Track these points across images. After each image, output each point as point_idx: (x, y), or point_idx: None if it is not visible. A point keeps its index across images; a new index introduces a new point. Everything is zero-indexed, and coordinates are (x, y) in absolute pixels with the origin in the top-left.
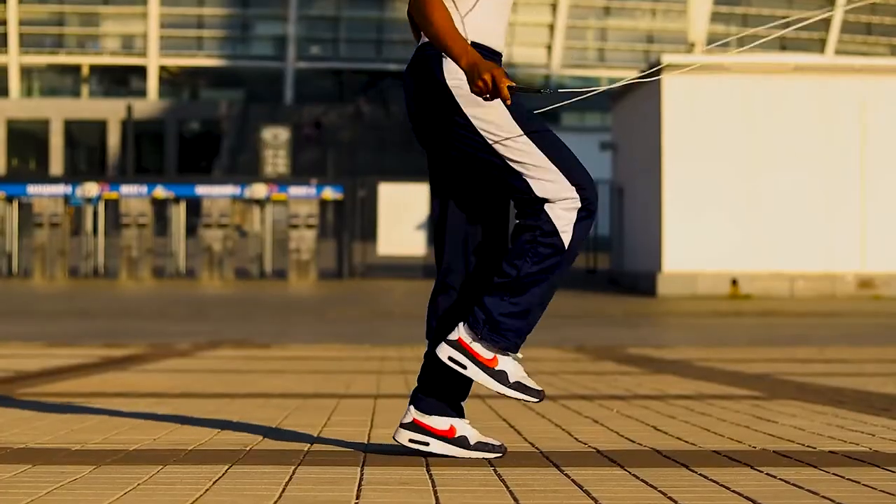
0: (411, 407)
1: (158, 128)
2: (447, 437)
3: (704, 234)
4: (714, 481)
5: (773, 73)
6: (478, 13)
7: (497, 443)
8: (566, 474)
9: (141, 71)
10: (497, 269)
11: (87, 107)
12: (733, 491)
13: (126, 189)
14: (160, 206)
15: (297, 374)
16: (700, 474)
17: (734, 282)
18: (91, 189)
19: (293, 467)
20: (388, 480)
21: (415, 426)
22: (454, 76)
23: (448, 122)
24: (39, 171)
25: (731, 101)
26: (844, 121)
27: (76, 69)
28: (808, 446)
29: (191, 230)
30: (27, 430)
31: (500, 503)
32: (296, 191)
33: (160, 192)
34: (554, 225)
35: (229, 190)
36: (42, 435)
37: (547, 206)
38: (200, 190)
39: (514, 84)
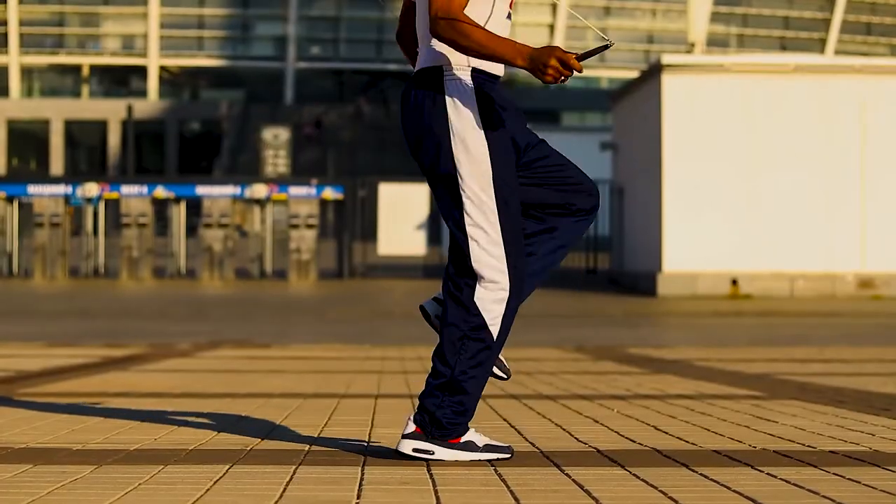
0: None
1: (159, 128)
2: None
3: (704, 234)
4: (714, 481)
5: (773, 73)
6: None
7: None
8: (567, 474)
9: (141, 71)
10: (432, 371)
11: (88, 107)
12: (734, 490)
13: (126, 189)
14: (161, 206)
15: (298, 373)
16: (700, 474)
17: (734, 282)
18: (91, 189)
19: (294, 467)
20: (389, 480)
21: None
22: (456, 117)
23: (436, 153)
24: (40, 171)
25: (732, 101)
26: (844, 121)
27: (76, 69)
28: (808, 446)
29: (191, 230)
30: (28, 430)
31: (500, 503)
32: (296, 191)
33: (160, 192)
34: (483, 319)
35: (230, 190)
36: (43, 435)
37: (478, 292)
38: (201, 190)
39: (579, 53)
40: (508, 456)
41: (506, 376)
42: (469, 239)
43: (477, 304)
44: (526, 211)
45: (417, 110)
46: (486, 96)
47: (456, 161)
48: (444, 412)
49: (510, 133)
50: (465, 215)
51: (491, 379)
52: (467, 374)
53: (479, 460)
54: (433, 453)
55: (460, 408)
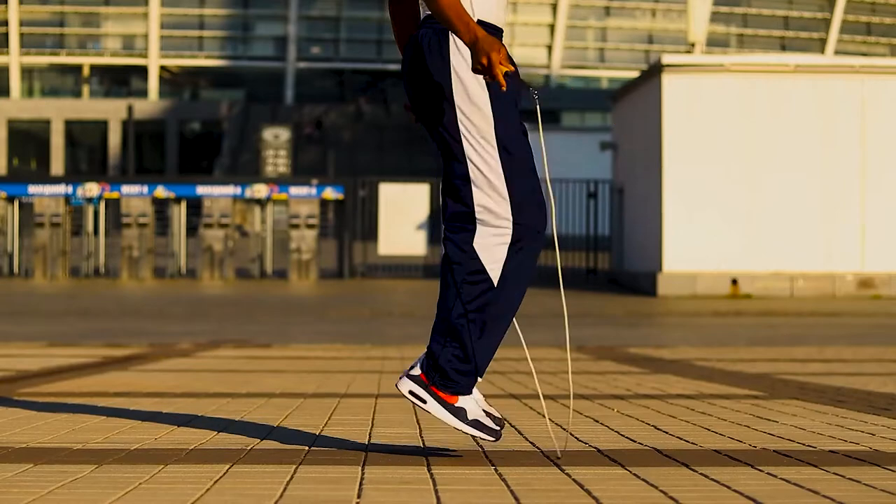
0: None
1: (159, 128)
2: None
3: (705, 234)
4: (715, 480)
5: (773, 73)
6: None
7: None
8: (567, 473)
9: (142, 71)
10: (439, 301)
11: (88, 107)
12: (734, 490)
13: (127, 189)
14: (161, 206)
15: (298, 373)
16: (701, 473)
17: (734, 281)
18: (92, 189)
19: (294, 466)
20: (390, 479)
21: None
22: (459, 53)
23: (438, 98)
24: (40, 171)
25: (732, 101)
26: (844, 121)
27: (77, 69)
28: (808, 446)
29: (192, 230)
30: (28, 430)
31: (500, 502)
32: (296, 191)
33: (161, 191)
34: (481, 263)
35: (230, 190)
36: (43, 434)
37: (477, 235)
38: (201, 190)
39: (513, 69)
40: (493, 440)
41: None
42: (471, 185)
43: (475, 247)
44: None
45: (421, 55)
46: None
47: (457, 107)
48: (446, 358)
49: (511, 85)
50: (468, 160)
51: (491, 378)
52: (466, 317)
53: (462, 431)
54: (425, 402)
55: (462, 355)
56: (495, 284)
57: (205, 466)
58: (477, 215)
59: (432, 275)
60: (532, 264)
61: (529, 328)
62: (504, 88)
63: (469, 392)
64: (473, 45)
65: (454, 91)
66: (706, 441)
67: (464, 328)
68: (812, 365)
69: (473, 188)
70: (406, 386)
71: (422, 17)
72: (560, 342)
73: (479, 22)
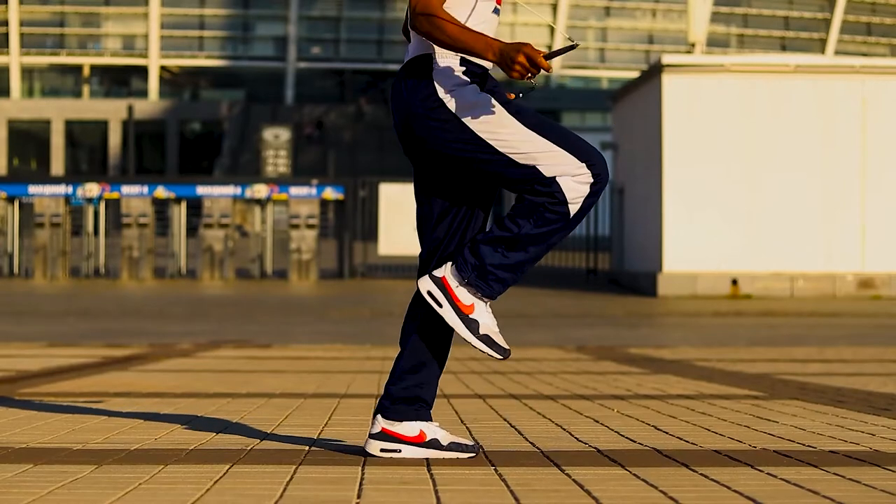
0: (378, 416)
1: (159, 128)
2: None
3: (705, 234)
4: (715, 481)
5: (773, 73)
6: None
7: (470, 442)
8: (567, 474)
9: (142, 71)
10: (497, 223)
11: (88, 107)
12: (734, 490)
13: (127, 189)
14: (161, 206)
15: (298, 373)
16: (701, 474)
17: (734, 282)
18: (92, 189)
19: (294, 467)
20: (389, 480)
21: (384, 435)
22: (449, 87)
23: (447, 134)
24: (40, 172)
25: (732, 101)
26: (845, 121)
27: (77, 69)
28: (808, 446)
29: (192, 230)
30: (28, 430)
31: (500, 502)
32: (297, 191)
33: (161, 192)
34: (565, 195)
35: (230, 190)
36: (43, 435)
37: (559, 179)
38: (201, 190)
39: (548, 52)
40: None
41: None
42: (530, 165)
43: (560, 182)
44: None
45: (405, 91)
46: (476, 76)
47: (463, 122)
48: (493, 262)
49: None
50: (509, 156)
51: (491, 378)
52: (533, 237)
53: (471, 343)
54: (441, 306)
55: (510, 264)
56: (571, 217)
57: (205, 467)
58: (553, 175)
59: None
60: (586, 213)
61: (530, 328)
62: (550, 70)
63: (493, 297)
64: (500, 58)
65: (452, 109)
66: (706, 441)
67: (529, 246)
68: (812, 365)
69: (535, 164)
70: (426, 285)
71: (405, 59)
72: (560, 342)
73: (465, 60)
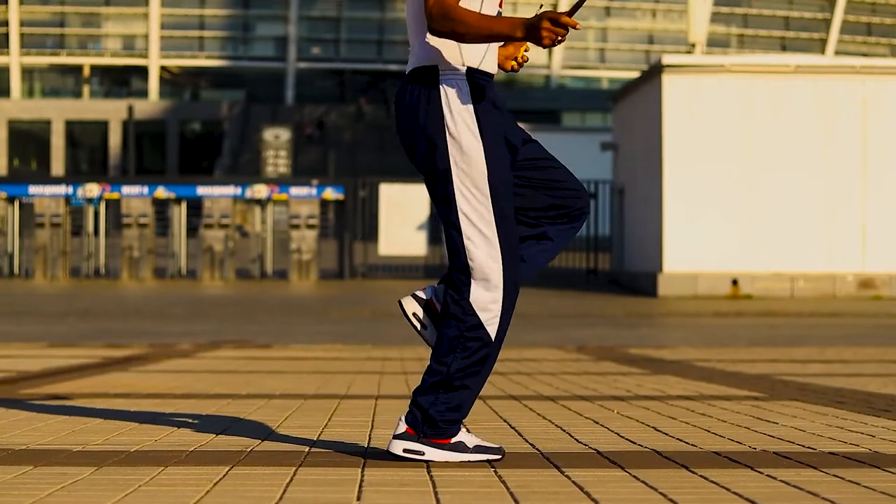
0: (434, 286)
1: (160, 128)
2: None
3: (705, 235)
4: (714, 482)
5: (773, 73)
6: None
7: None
8: (566, 475)
9: (142, 71)
10: (427, 369)
11: (89, 107)
12: (734, 492)
13: (127, 189)
14: (161, 207)
15: (298, 374)
16: (700, 475)
17: (735, 282)
18: (92, 189)
19: (294, 468)
20: (389, 481)
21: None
22: (450, 114)
23: (431, 152)
24: (41, 172)
25: (732, 101)
26: (845, 121)
27: (77, 70)
28: (808, 447)
29: (192, 230)
30: (28, 432)
31: None
32: (297, 191)
33: (161, 192)
34: (479, 318)
35: (230, 190)
36: (43, 436)
37: (473, 291)
38: (202, 190)
39: (569, 10)
40: (499, 457)
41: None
42: (464, 238)
43: (472, 303)
44: (517, 215)
45: (412, 110)
46: (481, 96)
47: (452, 161)
48: (437, 409)
49: (504, 133)
50: (461, 215)
51: (491, 379)
52: (464, 372)
53: (470, 461)
54: (423, 454)
55: (454, 405)
56: (493, 339)
57: (205, 468)
58: (472, 270)
59: (433, 275)
60: (507, 326)
61: (530, 328)
62: (578, 26)
63: (458, 430)
64: (528, 31)
65: (448, 145)
66: (706, 443)
67: (462, 382)
68: (812, 366)
69: (467, 241)
70: (399, 447)
71: (407, 70)
72: (560, 342)
73: (470, 69)
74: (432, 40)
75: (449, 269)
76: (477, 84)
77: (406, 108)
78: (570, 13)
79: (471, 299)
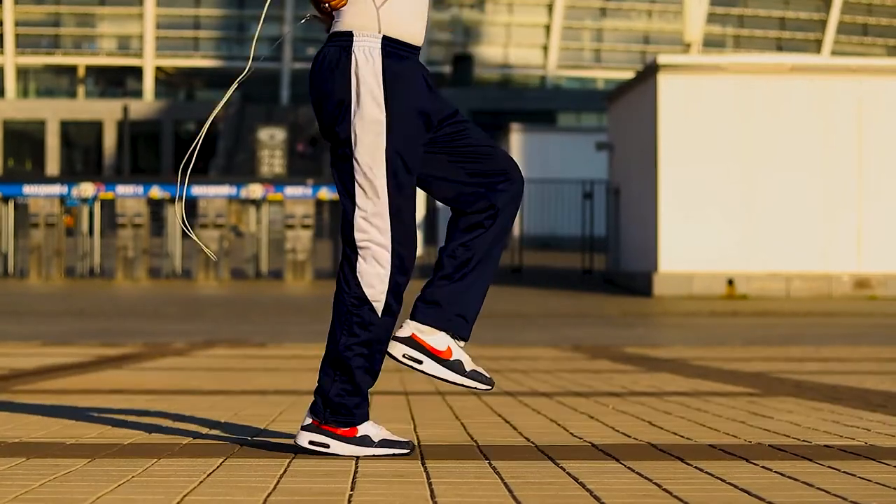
0: (409, 321)
1: (154, 128)
2: (443, 357)
3: (701, 235)
4: (709, 474)
5: (769, 73)
6: (393, 5)
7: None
8: (561, 467)
9: (137, 71)
10: (329, 333)
11: (84, 107)
12: (728, 483)
13: (122, 189)
14: (156, 207)
15: (293, 372)
16: (695, 467)
17: (730, 282)
18: (87, 189)
19: (288, 460)
20: (383, 472)
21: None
22: (362, 78)
23: (336, 116)
24: (35, 172)
25: (728, 101)
26: (841, 121)
27: (72, 70)
28: (803, 441)
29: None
30: (21, 426)
31: (494, 494)
32: (292, 191)
33: (156, 192)
34: (364, 293)
35: (225, 190)
36: (36, 430)
37: (359, 265)
38: (196, 190)
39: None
40: (407, 451)
41: (488, 386)
42: (356, 209)
43: (358, 277)
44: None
45: (322, 74)
46: (395, 68)
47: (352, 129)
48: (335, 392)
49: (417, 107)
50: (356, 185)
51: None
52: (352, 350)
53: (375, 455)
54: (328, 447)
55: (350, 388)
56: (379, 316)
57: (198, 460)
58: (358, 243)
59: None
60: (400, 301)
61: (526, 328)
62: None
63: (366, 419)
64: None
65: (352, 113)
66: (701, 436)
67: (351, 361)
68: (808, 364)
69: (358, 213)
70: (304, 438)
71: (329, 31)
72: (556, 342)
73: (388, 38)
74: (350, 8)
75: (342, 241)
76: (391, 54)
77: (317, 72)
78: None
79: (357, 273)
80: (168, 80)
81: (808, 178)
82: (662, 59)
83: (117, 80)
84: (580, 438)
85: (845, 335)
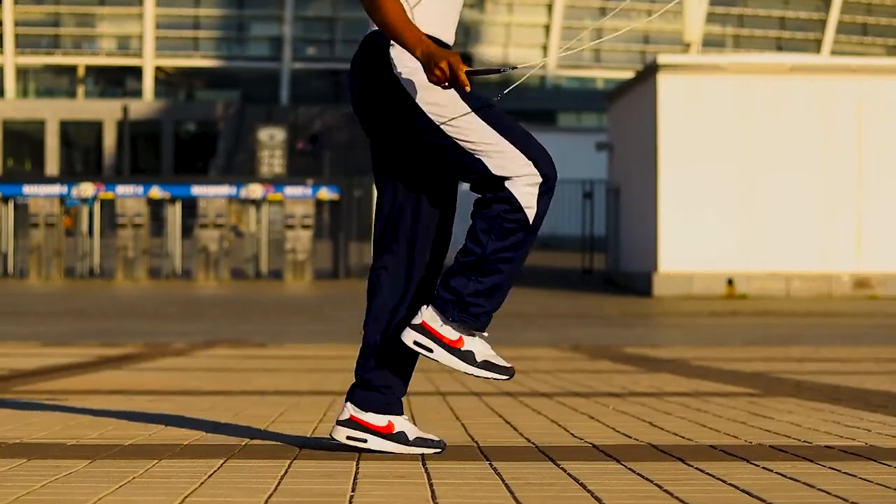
0: (348, 403)
1: (154, 128)
2: (384, 433)
3: (700, 235)
4: (710, 475)
5: (769, 73)
6: (427, 4)
7: (437, 438)
8: (562, 468)
9: (137, 71)
10: (461, 251)
11: (83, 107)
12: (729, 484)
13: (122, 189)
14: (156, 207)
15: (293, 372)
16: (696, 468)
17: (730, 282)
18: (87, 189)
19: (289, 461)
20: (384, 474)
21: (352, 423)
22: (404, 64)
23: (398, 111)
24: (35, 172)
25: (728, 101)
26: (841, 121)
27: (72, 70)
28: (804, 441)
29: (187, 230)
30: (22, 426)
31: (495, 496)
32: (292, 191)
33: (156, 192)
34: (518, 201)
35: (225, 190)
36: (37, 430)
37: (508, 183)
38: (196, 190)
39: (471, 69)
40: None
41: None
42: (475, 155)
43: (509, 188)
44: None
45: (364, 78)
46: None
47: (422, 108)
48: (470, 292)
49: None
50: (463, 144)
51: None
52: (500, 254)
53: (473, 374)
54: (432, 351)
55: (487, 290)
56: (531, 222)
57: (199, 461)
58: (502, 175)
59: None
60: (543, 217)
61: (526, 328)
62: (467, 87)
63: (482, 329)
64: (425, 59)
65: (409, 90)
66: (702, 437)
67: (498, 265)
68: (808, 364)
69: (483, 158)
70: (410, 337)
71: (366, 33)
72: (556, 342)
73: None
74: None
75: (481, 196)
76: None
77: (357, 75)
78: (470, 73)
79: (508, 186)
80: (168, 80)
81: (808, 178)
82: (662, 59)
83: (117, 80)
84: (581, 439)
85: (845, 335)
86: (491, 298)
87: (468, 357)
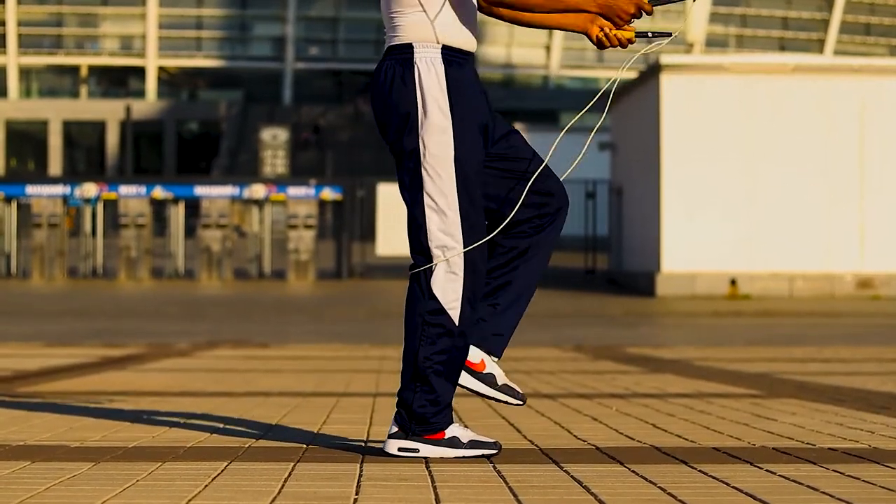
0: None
1: (157, 128)
2: (477, 370)
3: (704, 235)
4: (713, 477)
5: (772, 73)
6: (447, 14)
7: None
8: (565, 471)
9: (140, 72)
10: (405, 346)
11: (86, 107)
12: (733, 487)
13: (125, 189)
14: (159, 207)
15: (296, 373)
16: (699, 470)
17: (733, 282)
18: (90, 189)
19: (292, 464)
20: (388, 476)
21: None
22: (424, 90)
23: (402, 129)
24: (38, 172)
25: (730, 100)
26: (844, 121)
27: (75, 70)
28: (807, 443)
29: (190, 230)
30: (26, 428)
31: (499, 499)
32: (295, 191)
33: (159, 192)
34: (440, 303)
35: (228, 190)
36: (41, 432)
37: (434, 275)
38: (199, 190)
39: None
40: (495, 452)
41: (520, 402)
42: (428, 218)
43: (433, 286)
44: (493, 237)
45: (386, 86)
46: (456, 76)
47: (420, 139)
48: (419, 404)
49: (478, 116)
50: (425, 194)
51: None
52: (431, 360)
53: (465, 457)
54: (418, 451)
55: (433, 397)
56: (456, 324)
57: (202, 463)
58: (433, 251)
59: None
60: (473, 309)
61: (528, 328)
62: (650, 12)
63: (450, 423)
64: (607, 10)
65: (419, 125)
66: (705, 439)
67: (431, 370)
68: (811, 364)
69: (430, 223)
70: (393, 446)
71: (386, 46)
72: (558, 342)
73: (446, 47)
74: (406, 19)
75: (411, 251)
76: (451, 62)
77: (380, 85)
78: (657, 2)
79: (432, 283)
80: (171, 81)
81: (811, 179)
82: (665, 59)
83: (120, 81)
84: (584, 441)
85: (848, 335)
86: (439, 403)
87: (455, 443)
